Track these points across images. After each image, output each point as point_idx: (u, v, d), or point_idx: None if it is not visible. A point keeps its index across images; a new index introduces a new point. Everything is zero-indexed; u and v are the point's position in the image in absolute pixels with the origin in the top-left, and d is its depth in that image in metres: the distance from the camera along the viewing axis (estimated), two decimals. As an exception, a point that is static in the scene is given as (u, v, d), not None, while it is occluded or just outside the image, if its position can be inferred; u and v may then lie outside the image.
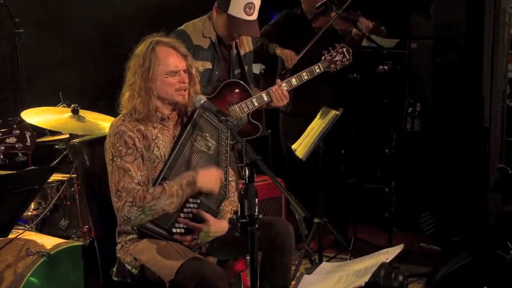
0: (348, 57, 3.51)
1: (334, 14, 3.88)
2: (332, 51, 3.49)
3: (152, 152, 2.53)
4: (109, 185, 2.48)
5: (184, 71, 2.58)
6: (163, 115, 2.59)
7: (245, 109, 3.27)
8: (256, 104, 3.28)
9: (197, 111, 2.62)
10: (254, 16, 3.15)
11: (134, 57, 2.57)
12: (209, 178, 2.53)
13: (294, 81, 3.38)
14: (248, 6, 3.10)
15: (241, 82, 3.32)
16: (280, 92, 3.29)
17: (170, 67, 2.54)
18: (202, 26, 3.26)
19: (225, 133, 2.65)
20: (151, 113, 2.54)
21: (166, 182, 2.46)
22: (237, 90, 3.28)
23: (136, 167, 2.47)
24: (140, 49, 2.57)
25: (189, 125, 2.59)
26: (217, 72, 3.29)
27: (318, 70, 3.45)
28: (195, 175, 2.50)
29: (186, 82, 2.57)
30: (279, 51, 4.01)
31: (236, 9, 3.10)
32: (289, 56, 3.96)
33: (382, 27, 4.12)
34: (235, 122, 2.49)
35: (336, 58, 3.49)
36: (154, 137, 2.55)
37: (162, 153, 2.54)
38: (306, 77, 3.40)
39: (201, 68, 3.23)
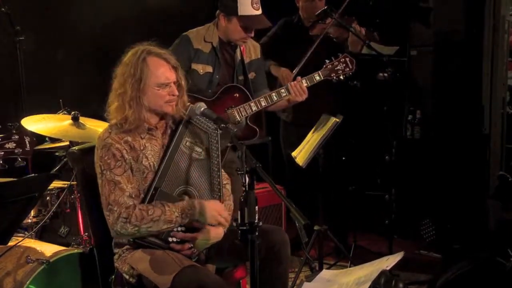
0: (350, 67, 3.51)
1: (330, 21, 3.89)
2: (334, 60, 3.50)
3: (140, 163, 2.51)
4: (101, 199, 2.48)
5: (174, 83, 2.56)
6: (150, 125, 2.57)
7: (243, 113, 3.30)
8: (263, 104, 3.31)
9: (185, 118, 2.61)
10: (260, 10, 3.29)
11: (123, 66, 2.54)
12: (211, 213, 2.51)
13: (304, 83, 3.40)
14: (254, 2, 3.24)
15: (241, 87, 3.35)
16: (299, 87, 3.34)
17: (161, 79, 2.52)
18: (205, 32, 3.35)
19: (215, 137, 2.63)
20: (141, 124, 2.53)
21: (167, 205, 2.45)
22: (237, 95, 3.32)
23: (126, 179, 2.46)
24: (130, 58, 2.54)
25: (178, 133, 2.59)
26: (217, 76, 3.34)
27: (317, 78, 3.46)
28: (198, 208, 2.49)
29: (176, 95, 2.56)
30: (274, 70, 3.98)
31: (245, 8, 3.23)
32: (284, 76, 3.94)
33: (375, 33, 4.12)
34: (235, 129, 2.48)
35: (338, 67, 3.49)
36: (142, 148, 2.53)
37: (151, 163, 2.53)
38: (305, 84, 3.41)
39: (201, 71, 3.30)
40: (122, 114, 2.50)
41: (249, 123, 3.36)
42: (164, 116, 2.61)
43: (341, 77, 3.52)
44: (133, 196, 2.46)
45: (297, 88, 3.35)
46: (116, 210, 2.41)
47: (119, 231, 2.41)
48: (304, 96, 3.38)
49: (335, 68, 3.49)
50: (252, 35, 3.33)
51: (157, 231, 2.45)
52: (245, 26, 3.25)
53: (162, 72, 2.52)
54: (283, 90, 3.36)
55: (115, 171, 2.45)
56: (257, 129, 3.39)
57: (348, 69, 3.51)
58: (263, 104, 3.33)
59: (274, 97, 3.34)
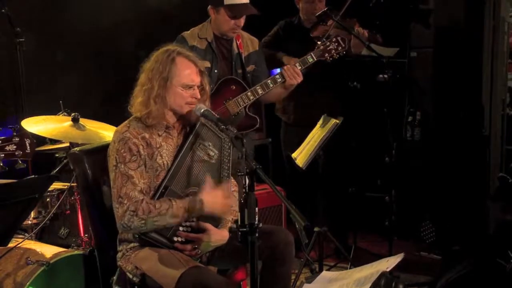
0: (343, 45, 3.49)
1: (331, 22, 3.88)
2: (325, 40, 3.49)
3: (155, 160, 2.53)
4: (112, 191, 2.49)
5: (198, 86, 2.60)
6: (168, 123, 2.60)
7: (242, 103, 3.34)
8: (260, 92, 3.34)
9: (200, 120, 2.63)
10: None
11: (152, 62, 2.58)
12: (217, 205, 2.52)
13: (298, 66, 3.41)
14: None
15: (237, 78, 3.40)
16: (292, 70, 3.36)
17: (187, 80, 2.55)
18: (199, 30, 3.44)
19: (228, 143, 2.66)
20: (161, 121, 2.56)
21: (175, 200, 2.46)
22: (233, 87, 3.37)
23: (139, 174, 2.48)
24: (159, 55, 2.58)
25: (192, 135, 2.61)
26: (216, 71, 3.39)
27: (310, 59, 3.45)
28: (206, 202, 2.48)
29: (197, 98, 2.59)
30: (286, 59, 3.97)
31: None
32: None
33: (378, 35, 4.12)
34: (235, 131, 2.49)
35: (330, 47, 3.48)
36: (158, 146, 2.56)
37: (165, 162, 2.55)
38: (299, 67, 3.42)
39: None
40: (147, 109, 2.53)
41: (248, 113, 3.40)
42: (182, 117, 2.63)
43: (335, 57, 3.50)
44: (144, 192, 2.47)
45: (290, 72, 3.36)
46: (126, 203, 2.42)
47: (126, 223, 2.42)
48: (299, 79, 3.39)
49: (328, 48, 3.48)
50: (241, 23, 3.37)
51: (164, 226, 2.45)
52: (232, 15, 3.31)
53: (189, 73, 2.56)
54: (277, 76, 3.38)
55: (130, 165, 2.47)
56: (257, 117, 3.42)
57: (341, 47, 3.50)
58: (260, 92, 3.35)
59: (270, 84, 3.37)
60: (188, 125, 2.67)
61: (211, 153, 2.63)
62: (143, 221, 2.41)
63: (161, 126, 2.58)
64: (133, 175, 2.46)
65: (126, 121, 2.60)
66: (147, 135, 2.55)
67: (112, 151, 2.53)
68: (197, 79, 2.59)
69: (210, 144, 2.64)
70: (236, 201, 2.76)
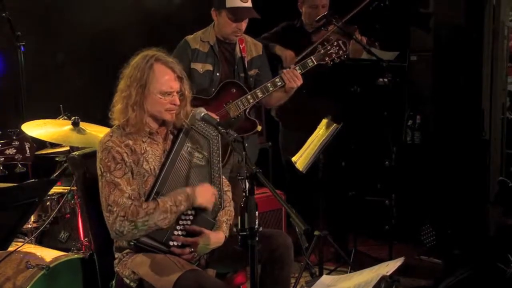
0: (344, 49, 3.49)
1: (332, 27, 3.89)
2: (326, 44, 3.49)
3: (141, 166, 2.53)
4: (101, 200, 2.49)
5: (177, 92, 2.58)
6: (151, 129, 2.59)
7: (241, 106, 3.35)
8: (259, 95, 3.35)
9: (185, 124, 2.63)
10: (250, 3, 3.35)
11: (131, 68, 2.57)
12: (204, 194, 2.54)
13: (298, 69, 3.41)
14: None
15: (237, 81, 3.40)
16: (292, 74, 3.35)
17: (165, 87, 2.54)
18: (202, 34, 3.46)
19: (216, 144, 2.66)
20: (142, 127, 2.55)
21: (160, 198, 2.47)
22: (234, 90, 3.38)
23: (125, 181, 2.47)
24: (138, 61, 2.56)
25: (179, 138, 2.61)
26: (218, 74, 3.40)
27: (311, 63, 3.45)
28: (190, 191, 2.51)
29: (177, 104, 2.58)
30: (278, 49, 3.98)
31: (233, 0, 3.31)
32: (288, 56, 3.93)
33: (376, 43, 4.13)
34: (235, 135, 2.49)
35: (331, 51, 3.48)
36: (143, 151, 2.55)
37: (152, 167, 2.55)
38: (299, 70, 3.41)
39: (201, 69, 3.38)
40: (125, 116, 2.53)
41: (248, 116, 3.41)
42: (165, 122, 2.63)
43: (336, 60, 3.49)
44: (133, 198, 2.47)
45: (290, 75, 3.36)
46: (115, 210, 2.42)
47: (118, 229, 2.42)
48: (298, 82, 3.38)
49: (328, 52, 3.48)
50: (242, 27, 3.37)
51: (155, 225, 2.45)
52: (234, 18, 3.32)
53: (166, 80, 2.54)
54: (277, 79, 3.39)
55: (115, 173, 2.47)
56: (256, 120, 3.43)
57: (342, 51, 3.49)
58: (259, 95, 3.36)
59: (270, 87, 3.38)
60: (174, 129, 2.67)
61: (200, 155, 2.64)
62: (133, 224, 2.41)
63: (144, 133, 2.57)
64: (119, 183, 2.46)
65: (109, 130, 2.59)
66: (131, 142, 2.54)
67: (97, 161, 2.53)
68: (175, 86, 2.57)
69: (198, 146, 2.65)
70: (230, 200, 2.76)
